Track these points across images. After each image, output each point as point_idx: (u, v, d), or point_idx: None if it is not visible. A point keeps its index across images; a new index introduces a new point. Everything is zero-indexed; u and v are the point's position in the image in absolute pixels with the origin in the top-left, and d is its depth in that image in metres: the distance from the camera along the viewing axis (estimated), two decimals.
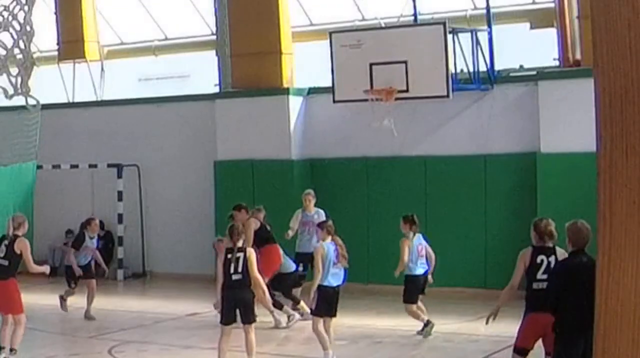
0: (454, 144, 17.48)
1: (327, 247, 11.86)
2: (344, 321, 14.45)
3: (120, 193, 20.57)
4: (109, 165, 20.71)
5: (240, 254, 11.42)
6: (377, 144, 17.77)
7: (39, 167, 19.72)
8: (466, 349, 13.21)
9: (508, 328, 14.34)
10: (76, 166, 21.15)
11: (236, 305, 11.54)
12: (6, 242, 12.28)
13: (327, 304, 11.86)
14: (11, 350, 12.18)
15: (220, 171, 19.45)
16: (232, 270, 11.39)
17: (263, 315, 15.59)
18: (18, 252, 12.17)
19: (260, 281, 11.73)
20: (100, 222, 20.99)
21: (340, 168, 18.43)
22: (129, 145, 20.80)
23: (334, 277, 11.87)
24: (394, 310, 14.97)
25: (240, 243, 11.50)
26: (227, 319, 11.62)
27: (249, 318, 11.61)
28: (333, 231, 12.01)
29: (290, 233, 15.27)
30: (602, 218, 4.28)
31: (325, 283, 11.82)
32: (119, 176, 20.56)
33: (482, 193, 17.26)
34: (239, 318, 11.65)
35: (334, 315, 12.07)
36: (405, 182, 17.74)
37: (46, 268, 12.78)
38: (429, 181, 17.69)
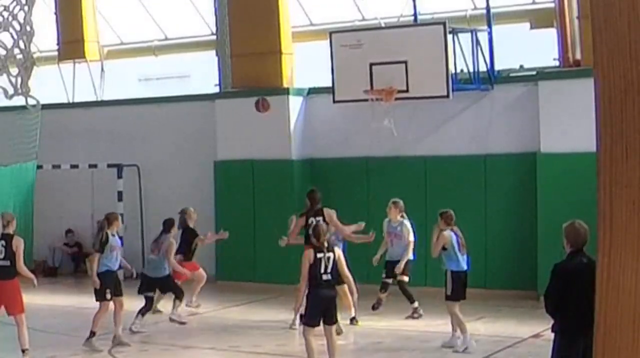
0: (454, 144, 17.47)
1: (450, 235, 12.88)
2: (344, 321, 14.43)
3: (120, 194, 20.55)
4: (109, 165, 20.70)
5: (330, 254, 11.35)
6: (377, 144, 17.76)
7: (39, 167, 19.73)
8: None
9: (508, 328, 14.40)
10: (76, 166, 21.14)
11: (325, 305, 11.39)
12: (3, 242, 12.28)
13: (462, 287, 12.78)
14: (23, 351, 12.20)
15: (220, 171, 19.45)
16: (322, 270, 11.26)
17: (261, 314, 15.60)
18: (15, 250, 12.20)
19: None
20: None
21: (340, 168, 18.42)
22: (129, 145, 20.80)
23: (464, 262, 12.85)
24: (394, 310, 14.98)
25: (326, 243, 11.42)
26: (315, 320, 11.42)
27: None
28: (450, 221, 12.92)
29: (383, 246, 14.96)
30: (602, 218, 4.28)
31: (458, 269, 12.81)
32: (119, 176, 20.54)
33: (482, 193, 17.26)
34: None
35: (464, 298, 12.96)
36: (405, 182, 17.73)
37: (34, 279, 12.71)
38: (429, 181, 17.69)
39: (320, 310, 11.31)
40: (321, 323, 11.39)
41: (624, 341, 4.24)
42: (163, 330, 15.00)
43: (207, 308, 16.51)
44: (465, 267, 12.92)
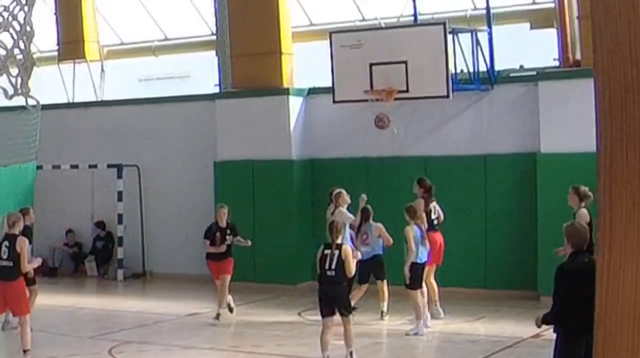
0: (454, 144, 17.47)
1: (415, 229, 13.74)
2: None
3: (120, 194, 20.57)
4: (109, 165, 20.71)
5: (336, 251, 11.51)
6: (377, 144, 17.77)
7: (39, 167, 19.71)
8: (466, 349, 13.20)
9: (508, 328, 14.41)
10: (76, 166, 21.15)
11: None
12: (7, 243, 12.28)
13: (420, 277, 13.81)
14: (25, 351, 12.21)
15: (220, 171, 19.45)
16: (326, 266, 11.51)
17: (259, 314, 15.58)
18: (19, 251, 12.20)
19: None
20: (101, 222, 21.11)
21: (340, 168, 18.42)
22: (129, 145, 20.80)
23: (422, 254, 13.83)
24: (393, 310, 14.98)
25: (339, 240, 11.61)
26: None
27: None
28: (414, 215, 13.81)
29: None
30: (602, 218, 4.28)
31: (416, 260, 13.72)
32: (119, 176, 20.56)
33: (482, 193, 17.26)
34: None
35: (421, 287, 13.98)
36: (405, 182, 17.69)
37: (38, 261, 12.83)
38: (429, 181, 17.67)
39: (324, 304, 11.63)
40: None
41: (624, 341, 4.24)
42: (163, 330, 15.01)
43: (207, 308, 16.51)
44: (423, 260, 13.87)
